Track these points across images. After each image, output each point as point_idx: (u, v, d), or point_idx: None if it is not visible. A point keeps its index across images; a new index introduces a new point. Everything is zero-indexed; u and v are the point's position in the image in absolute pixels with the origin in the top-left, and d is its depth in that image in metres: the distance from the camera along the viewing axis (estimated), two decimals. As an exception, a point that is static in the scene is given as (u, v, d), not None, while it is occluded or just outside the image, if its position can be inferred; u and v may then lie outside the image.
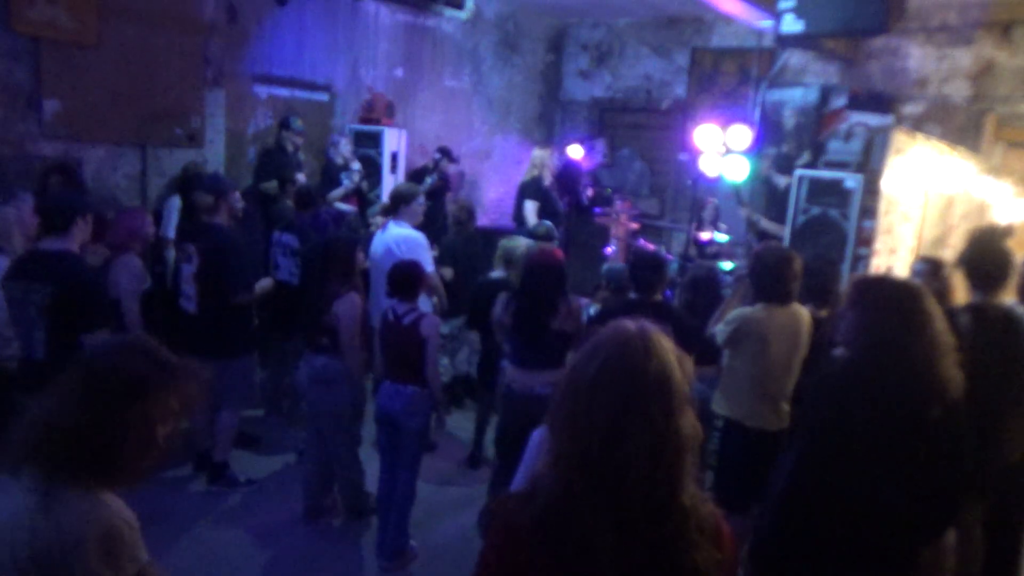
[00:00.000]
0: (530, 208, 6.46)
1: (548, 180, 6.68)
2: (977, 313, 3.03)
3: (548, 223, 5.50)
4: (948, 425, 2.08)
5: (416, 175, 7.10)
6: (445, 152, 7.07)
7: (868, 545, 2.12)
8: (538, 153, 6.78)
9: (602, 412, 1.23)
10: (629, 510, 1.21)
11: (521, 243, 4.72)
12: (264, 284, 4.42)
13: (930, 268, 3.53)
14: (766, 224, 6.08)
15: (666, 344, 1.30)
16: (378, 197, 6.70)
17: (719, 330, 3.42)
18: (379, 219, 5.55)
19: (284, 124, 6.02)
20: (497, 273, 4.60)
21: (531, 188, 6.57)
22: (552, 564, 1.22)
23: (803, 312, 3.46)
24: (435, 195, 6.94)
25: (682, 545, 1.24)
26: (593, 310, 4.70)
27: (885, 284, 2.32)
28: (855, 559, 2.14)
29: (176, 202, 5.19)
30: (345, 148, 6.47)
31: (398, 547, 3.65)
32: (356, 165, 6.38)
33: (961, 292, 3.53)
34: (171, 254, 5.07)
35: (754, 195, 7.47)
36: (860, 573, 2.16)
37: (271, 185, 5.74)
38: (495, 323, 3.76)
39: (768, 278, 3.37)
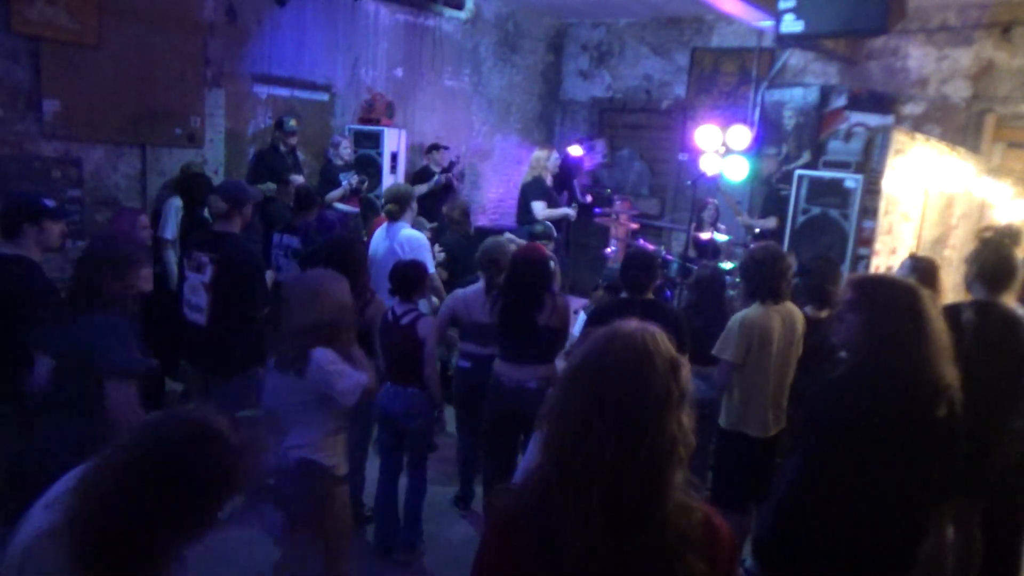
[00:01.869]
0: (539, 207, 6.43)
1: (549, 181, 6.68)
2: (981, 309, 3.03)
3: (548, 223, 5.51)
4: (949, 423, 2.09)
5: (419, 176, 7.13)
6: (437, 147, 7.18)
7: (871, 544, 2.12)
8: (538, 154, 6.78)
9: (609, 417, 1.21)
10: (623, 508, 1.20)
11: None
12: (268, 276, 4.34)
13: (911, 264, 3.49)
14: (757, 222, 6.16)
15: (668, 344, 1.30)
16: (377, 197, 6.71)
17: (720, 348, 3.34)
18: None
19: (278, 124, 6.07)
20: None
21: (534, 188, 6.57)
22: (540, 553, 1.23)
23: (797, 310, 3.46)
24: (438, 195, 6.95)
25: (665, 552, 1.23)
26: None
27: (886, 284, 2.29)
28: (857, 557, 2.14)
29: (177, 202, 5.18)
30: (345, 150, 6.48)
31: (411, 541, 3.66)
32: (356, 178, 6.37)
33: (948, 290, 3.52)
34: (170, 255, 5.06)
35: (754, 196, 7.49)
36: (862, 571, 2.16)
37: (269, 187, 5.75)
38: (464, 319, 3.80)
39: (760, 276, 3.36)
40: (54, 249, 3.25)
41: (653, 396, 1.23)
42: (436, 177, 6.92)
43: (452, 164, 7.24)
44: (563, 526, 1.20)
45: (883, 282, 2.32)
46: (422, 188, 6.57)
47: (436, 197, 6.86)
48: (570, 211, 6.69)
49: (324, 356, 2.66)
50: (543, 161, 6.64)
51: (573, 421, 1.23)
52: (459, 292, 4.02)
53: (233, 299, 3.82)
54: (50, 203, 3.17)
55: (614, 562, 1.20)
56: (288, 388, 2.70)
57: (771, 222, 6.25)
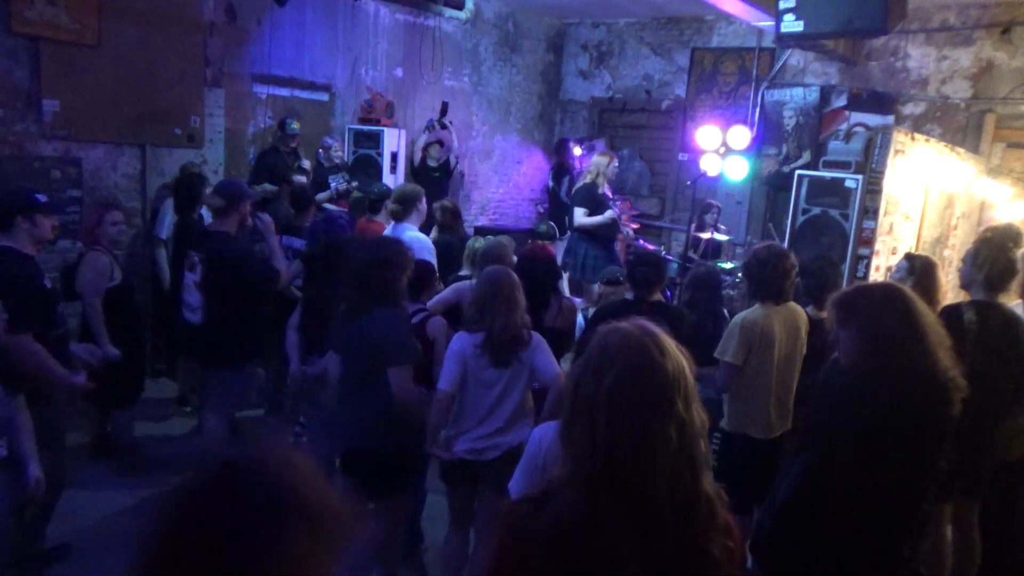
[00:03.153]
0: (579, 214, 6.19)
1: (604, 187, 6.34)
2: (983, 310, 3.03)
3: (551, 223, 5.50)
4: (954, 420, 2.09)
5: (417, 172, 7.14)
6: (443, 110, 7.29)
7: (875, 546, 2.12)
8: (598, 159, 6.42)
9: (626, 421, 1.22)
10: (658, 511, 1.21)
11: (481, 241, 4.70)
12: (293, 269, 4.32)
13: (908, 266, 3.48)
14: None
15: (669, 338, 1.30)
16: (371, 195, 6.68)
17: (721, 350, 3.33)
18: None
19: (280, 125, 6.08)
20: (464, 273, 4.55)
21: (581, 194, 6.31)
22: (571, 572, 1.22)
23: (800, 311, 3.45)
24: (439, 187, 6.94)
25: (703, 538, 1.24)
26: (590, 312, 4.69)
27: (864, 291, 2.30)
28: (860, 560, 2.13)
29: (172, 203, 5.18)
30: (336, 152, 6.45)
31: (411, 545, 3.65)
32: (342, 179, 6.35)
33: (948, 290, 3.50)
34: (161, 254, 5.08)
35: (754, 196, 7.49)
36: (863, 570, 2.16)
37: (267, 188, 5.74)
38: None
39: (764, 276, 3.34)
40: (46, 242, 3.30)
41: (690, 381, 1.27)
42: (424, 136, 6.98)
43: (445, 104, 7.36)
44: (619, 538, 1.19)
45: (861, 290, 2.32)
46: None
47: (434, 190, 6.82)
48: (606, 217, 6.24)
49: (539, 337, 2.95)
50: (602, 167, 6.29)
51: (624, 437, 1.22)
52: (465, 283, 4.02)
53: (220, 296, 3.87)
54: (42, 198, 3.23)
55: (668, 557, 1.21)
56: (506, 376, 2.89)
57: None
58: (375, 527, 3.12)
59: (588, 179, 6.35)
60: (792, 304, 3.41)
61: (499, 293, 2.93)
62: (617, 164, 6.55)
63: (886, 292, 2.21)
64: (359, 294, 2.96)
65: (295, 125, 6.04)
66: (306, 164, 6.25)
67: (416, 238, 4.59)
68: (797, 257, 3.55)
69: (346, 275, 3.10)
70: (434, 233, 5.28)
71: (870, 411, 2.10)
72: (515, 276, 3.03)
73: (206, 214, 4.74)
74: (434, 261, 4.57)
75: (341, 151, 6.56)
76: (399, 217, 4.62)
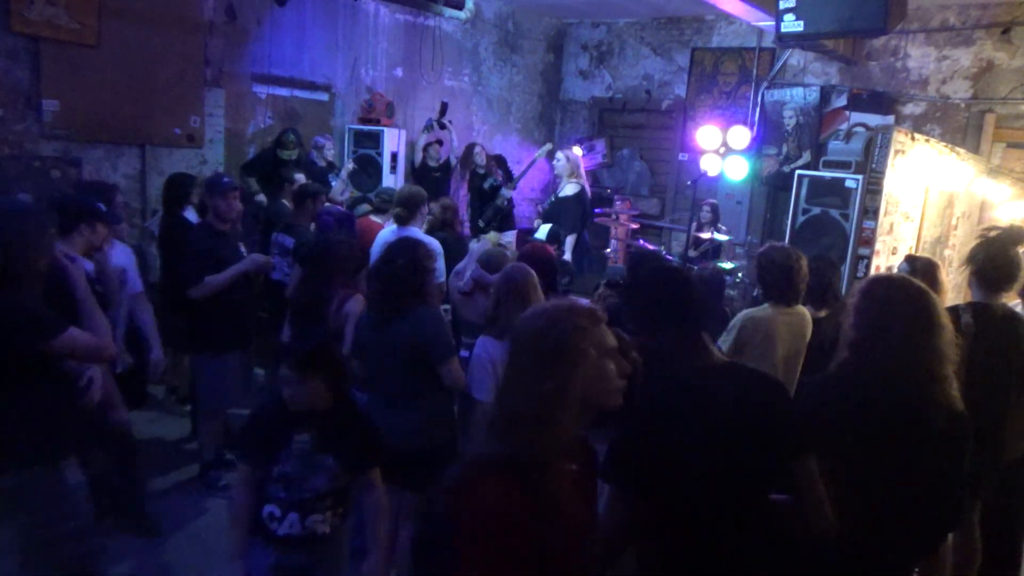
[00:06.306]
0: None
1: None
2: (980, 312, 3.02)
3: (552, 225, 5.51)
4: (952, 432, 2.05)
5: (419, 172, 7.14)
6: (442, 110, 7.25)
7: (867, 548, 2.11)
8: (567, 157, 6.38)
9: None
10: None
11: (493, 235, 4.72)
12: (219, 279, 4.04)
13: (909, 268, 3.45)
14: None
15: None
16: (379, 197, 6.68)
17: (722, 340, 3.36)
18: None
19: (279, 137, 5.91)
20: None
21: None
22: None
23: (807, 313, 3.44)
24: (440, 187, 6.93)
25: None
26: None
27: (890, 284, 2.25)
28: (856, 561, 2.12)
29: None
30: (328, 152, 6.43)
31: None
32: (349, 166, 6.35)
33: (949, 291, 3.49)
34: (152, 249, 5.10)
35: (755, 195, 7.49)
36: (851, 567, 2.15)
37: (252, 183, 5.73)
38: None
39: (774, 276, 3.34)
40: (95, 250, 3.31)
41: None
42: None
43: (444, 105, 7.27)
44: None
45: (886, 281, 2.27)
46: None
47: (434, 190, 6.79)
48: None
49: None
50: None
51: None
52: (459, 294, 4.05)
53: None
54: (103, 207, 3.36)
55: None
56: None
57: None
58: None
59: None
60: (800, 308, 3.40)
61: (513, 290, 2.96)
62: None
63: (891, 283, 2.17)
64: (395, 296, 2.94)
65: (291, 137, 5.83)
66: (348, 167, 6.31)
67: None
68: (802, 257, 3.54)
69: (377, 280, 3.05)
70: (425, 226, 5.30)
71: (845, 397, 2.07)
72: (532, 274, 3.03)
73: (191, 215, 4.75)
74: (441, 264, 4.55)
75: (333, 150, 6.51)
76: (404, 221, 4.59)
